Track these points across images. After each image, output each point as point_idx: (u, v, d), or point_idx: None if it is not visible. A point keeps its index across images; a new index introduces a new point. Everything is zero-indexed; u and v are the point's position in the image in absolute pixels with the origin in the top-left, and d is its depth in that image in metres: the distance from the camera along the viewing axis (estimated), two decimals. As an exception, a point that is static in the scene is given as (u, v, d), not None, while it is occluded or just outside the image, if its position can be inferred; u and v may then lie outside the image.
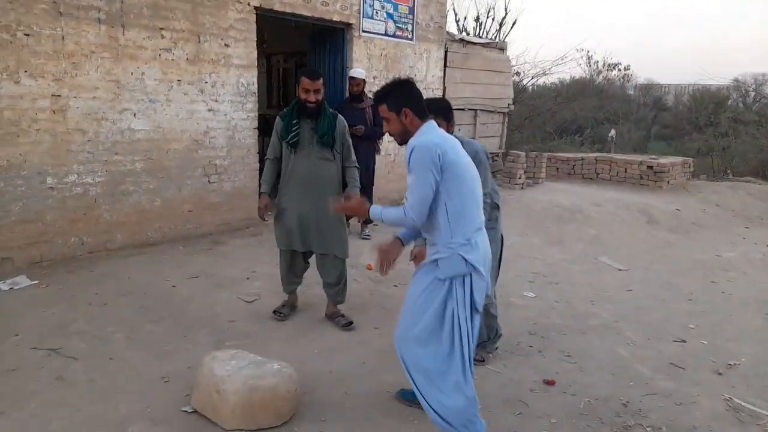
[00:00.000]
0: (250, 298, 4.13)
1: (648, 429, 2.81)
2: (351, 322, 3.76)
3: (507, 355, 3.52)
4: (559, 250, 6.09)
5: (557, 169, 10.55)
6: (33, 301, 3.83)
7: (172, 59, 5.03)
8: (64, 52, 4.37)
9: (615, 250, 6.24)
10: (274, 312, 3.84)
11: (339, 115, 3.67)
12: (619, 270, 5.59)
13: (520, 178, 8.59)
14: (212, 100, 5.40)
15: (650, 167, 9.59)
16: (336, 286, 3.78)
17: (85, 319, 3.59)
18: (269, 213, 3.65)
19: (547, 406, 2.95)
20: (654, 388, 3.22)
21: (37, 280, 4.18)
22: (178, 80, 5.10)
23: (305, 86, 3.42)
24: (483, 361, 3.38)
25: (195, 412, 2.65)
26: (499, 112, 9.56)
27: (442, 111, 2.94)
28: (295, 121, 3.49)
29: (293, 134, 3.48)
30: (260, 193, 3.70)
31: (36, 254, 4.44)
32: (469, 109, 8.82)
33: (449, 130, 2.91)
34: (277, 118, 3.58)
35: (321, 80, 3.46)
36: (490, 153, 9.64)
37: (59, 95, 4.40)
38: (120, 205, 4.88)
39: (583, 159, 10.37)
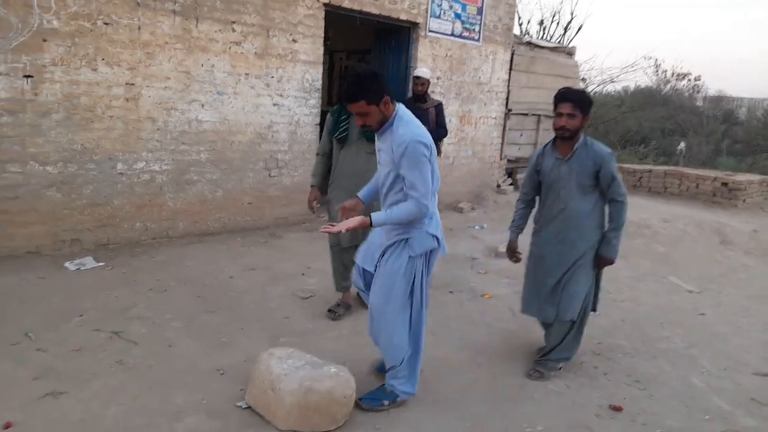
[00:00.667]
0: (305, 295, 4.10)
1: (727, 470, 2.57)
2: None
3: (569, 375, 3.33)
4: (625, 266, 5.77)
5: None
6: (98, 282, 3.93)
7: (241, 53, 5.08)
8: (140, 42, 4.47)
9: (685, 270, 5.87)
10: (329, 311, 3.80)
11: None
12: (690, 292, 5.24)
13: (583, 188, 8.26)
14: (277, 94, 5.43)
15: (725, 184, 9.02)
16: None
17: (145, 304, 3.65)
18: (318, 205, 3.73)
19: (614, 434, 2.76)
20: (734, 424, 2.96)
21: (103, 262, 4.30)
22: (246, 74, 5.15)
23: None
24: (542, 376, 3.21)
25: (249, 408, 2.61)
26: (563, 119, 9.23)
27: (585, 104, 3.05)
28: (344, 117, 3.53)
29: (341, 130, 3.55)
30: (310, 187, 3.77)
31: (103, 237, 4.57)
32: (533, 115, 8.56)
33: (583, 124, 3.07)
34: (328, 115, 3.65)
35: (360, 102, 3.29)
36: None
37: (133, 84, 4.51)
38: (183, 193, 4.97)
39: (650, 171, 9.88)
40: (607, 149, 3.12)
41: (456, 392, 3.00)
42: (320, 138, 6.06)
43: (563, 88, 3.14)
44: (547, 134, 9.05)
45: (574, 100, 3.00)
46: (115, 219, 4.61)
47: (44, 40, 4.03)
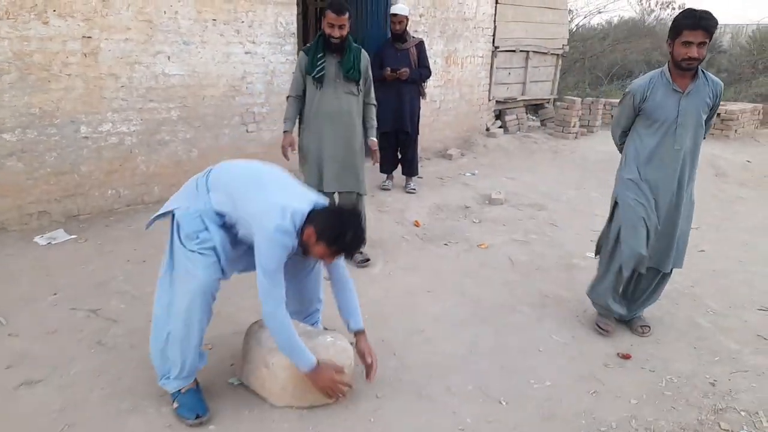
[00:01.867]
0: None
1: (742, 413, 2.49)
2: (367, 259, 3.79)
3: (574, 324, 3.21)
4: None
5: (612, 116, 9.87)
6: (71, 256, 3.69)
7: (207, -3, 4.65)
8: (93, -10, 4.05)
9: (682, 206, 5.74)
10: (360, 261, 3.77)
11: (362, 49, 3.62)
12: (688, 228, 5.12)
13: (574, 126, 8.03)
14: (249, 41, 5.04)
15: (717, 114, 8.84)
16: None
17: (124, 277, 3.43)
18: (293, 151, 3.59)
19: (625, 384, 2.66)
20: (743, 364, 2.88)
21: (75, 234, 4.04)
22: (213, 19, 4.74)
23: (330, 20, 3.34)
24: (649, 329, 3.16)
25: (241, 384, 2.45)
26: (552, 54, 8.87)
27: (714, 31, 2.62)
28: (320, 55, 3.44)
29: (319, 68, 3.43)
30: (284, 132, 3.58)
31: (73, 207, 4.29)
32: (521, 51, 8.19)
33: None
34: (300, 53, 3.54)
35: (347, 15, 3.35)
36: (542, 99, 9.06)
37: (90, 37, 4.11)
38: (156, 155, 4.66)
39: (640, 105, 9.65)
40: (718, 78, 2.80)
41: (459, 349, 2.86)
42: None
43: (689, 10, 2.59)
44: (536, 71, 8.71)
45: (706, 28, 2.54)
46: (84, 187, 4.31)
47: (-17, -8, 3.62)
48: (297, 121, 3.64)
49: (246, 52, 5.04)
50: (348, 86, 3.51)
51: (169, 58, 4.56)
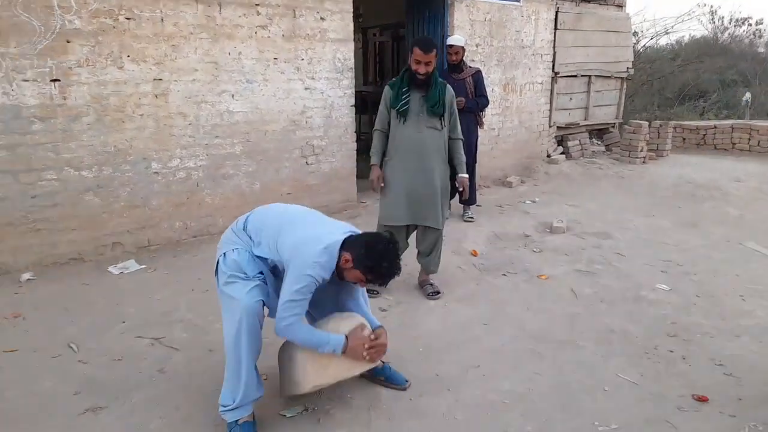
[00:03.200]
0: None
1: (841, 469, 2.22)
2: (438, 292, 3.77)
3: (643, 362, 3.01)
4: (695, 233, 5.31)
5: (683, 139, 9.42)
6: (141, 286, 3.87)
7: (268, 36, 4.87)
8: (164, 35, 4.33)
9: (764, 234, 5.33)
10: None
11: (448, 84, 3.61)
12: (772, 258, 4.74)
13: (642, 150, 7.70)
14: (308, 77, 5.20)
15: (801, 135, 8.23)
16: (429, 255, 3.76)
17: (187, 306, 3.55)
18: (382, 185, 3.60)
19: (701, 430, 2.44)
20: (841, 412, 2.58)
21: (145, 264, 4.25)
22: (275, 58, 4.94)
23: (417, 57, 3.35)
24: None
25: (295, 416, 2.45)
26: (616, 77, 8.61)
27: None
28: (405, 89, 3.47)
29: (403, 102, 3.47)
30: (371, 165, 3.63)
31: (144, 239, 4.52)
32: (582, 75, 8.00)
33: None
34: (386, 87, 3.57)
35: (434, 52, 3.35)
36: (606, 123, 8.78)
37: (160, 79, 4.39)
38: (221, 188, 4.85)
39: (715, 127, 9.14)
40: None
41: (518, 387, 2.74)
42: (357, 120, 5.88)
43: None
44: (599, 96, 8.47)
45: None
46: (154, 219, 4.54)
47: (68, 42, 3.95)
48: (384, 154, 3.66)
49: (306, 88, 5.21)
50: (431, 121, 3.50)
51: (233, 96, 4.78)
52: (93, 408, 2.49)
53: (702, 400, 2.67)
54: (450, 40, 5.34)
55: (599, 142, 9.22)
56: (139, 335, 3.17)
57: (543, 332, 3.31)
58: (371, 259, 2.16)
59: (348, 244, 2.22)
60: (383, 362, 2.73)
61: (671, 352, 3.12)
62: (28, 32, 3.79)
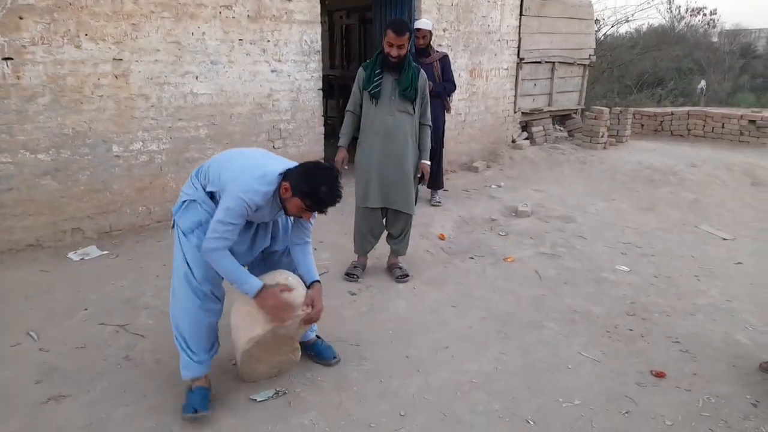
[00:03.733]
0: (319, 270, 3.89)
1: (787, 437, 2.36)
2: (407, 275, 3.80)
3: (604, 340, 3.12)
4: (653, 217, 5.50)
5: (642, 125, 9.69)
6: (103, 272, 3.77)
7: (233, 17, 4.75)
8: (123, 13, 4.17)
9: (717, 217, 5.57)
10: (347, 274, 3.79)
11: (420, 68, 3.56)
12: (724, 240, 4.96)
13: (602, 136, 7.88)
14: (275, 60, 5.11)
15: (752, 121, 8.58)
16: (398, 238, 3.79)
17: (152, 292, 3.48)
18: (346, 167, 3.54)
19: (659, 404, 2.56)
20: (786, 384, 2.74)
21: (107, 250, 4.13)
22: (240, 39, 4.83)
23: (390, 40, 3.31)
24: None
25: (269, 398, 2.45)
26: (579, 64, 8.76)
27: None
28: (378, 71, 3.44)
29: (375, 84, 3.44)
30: (338, 147, 3.60)
31: (105, 224, 4.39)
32: (546, 62, 8.12)
33: None
34: (360, 69, 3.54)
35: (407, 35, 3.33)
36: (569, 110, 8.94)
37: (120, 59, 4.24)
38: (185, 173, 4.74)
39: (672, 114, 9.43)
40: None
41: (485, 367, 2.80)
42: (324, 105, 5.82)
43: None
44: (563, 82, 8.61)
45: None
46: (116, 204, 4.41)
47: (20, 18, 3.76)
48: (353, 136, 3.66)
49: (272, 71, 5.12)
50: (403, 105, 3.48)
51: (197, 78, 4.66)
52: (56, 396, 2.43)
53: (660, 375, 2.79)
54: (417, 24, 5.31)
55: (562, 128, 9.40)
56: (103, 322, 3.10)
57: (509, 314, 3.39)
58: (309, 185, 2.15)
59: (288, 173, 2.22)
60: (317, 337, 2.83)
61: (631, 330, 3.25)
62: (-24, 7, 3.60)
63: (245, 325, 2.41)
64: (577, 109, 9.20)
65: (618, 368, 2.85)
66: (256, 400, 2.46)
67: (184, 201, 2.36)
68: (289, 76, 5.25)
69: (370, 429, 2.32)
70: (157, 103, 4.49)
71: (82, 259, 3.98)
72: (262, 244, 2.52)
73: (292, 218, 2.50)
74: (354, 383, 2.62)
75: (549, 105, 8.53)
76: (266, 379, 2.60)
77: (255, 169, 2.22)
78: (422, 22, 5.29)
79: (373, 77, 3.43)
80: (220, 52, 4.74)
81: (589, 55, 8.92)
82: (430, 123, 3.65)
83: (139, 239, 4.37)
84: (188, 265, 2.32)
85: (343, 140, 3.58)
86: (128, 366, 2.70)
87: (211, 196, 2.32)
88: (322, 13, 5.48)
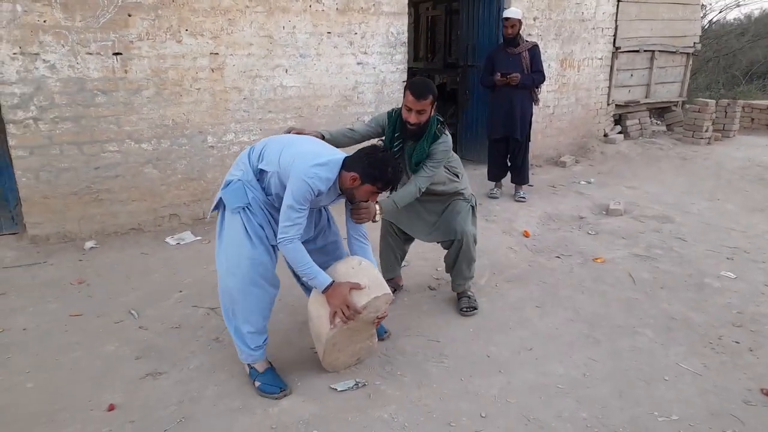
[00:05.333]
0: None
1: None
2: (475, 308, 3.24)
3: (706, 352, 2.88)
4: (763, 219, 5.00)
5: (752, 120, 8.87)
6: (196, 257, 3.98)
7: (322, 10, 4.82)
8: (221, 9, 4.36)
9: (842, 222, 4.98)
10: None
11: (444, 137, 2.88)
12: None
13: (707, 131, 7.29)
14: (361, 52, 5.15)
15: None
16: (453, 268, 3.27)
17: (240, 278, 3.62)
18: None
19: (770, 426, 2.32)
20: None
21: (200, 236, 4.36)
22: (328, 32, 4.91)
23: (408, 103, 2.74)
24: None
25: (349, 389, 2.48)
26: (681, 53, 8.15)
27: None
28: (398, 135, 2.88)
29: (395, 150, 2.90)
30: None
31: (199, 211, 4.63)
32: (645, 51, 7.61)
33: None
34: (385, 116, 2.95)
35: (430, 99, 2.72)
36: (669, 102, 8.35)
37: (217, 53, 4.43)
38: (273, 163, 4.89)
39: (789, 107, 8.56)
40: None
41: (572, 371, 2.67)
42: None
43: None
44: (663, 72, 8.05)
45: None
46: (209, 193, 4.63)
47: (129, 15, 4.02)
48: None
49: (358, 63, 5.16)
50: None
51: (286, 71, 4.78)
52: (153, 373, 2.59)
53: (771, 394, 2.53)
54: (506, 13, 5.15)
55: (660, 122, 8.80)
56: (195, 305, 3.27)
57: (598, 317, 3.21)
58: (377, 168, 2.27)
59: (349, 163, 2.31)
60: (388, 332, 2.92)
61: (737, 342, 2.97)
62: (92, 6, 3.88)
63: (324, 314, 2.43)
64: (677, 102, 8.58)
65: (722, 383, 2.61)
66: (336, 389, 2.49)
67: (230, 181, 2.42)
68: (374, 68, 5.27)
69: (450, 428, 2.28)
70: (249, 96, 4.65)
71: (178, 243, 4.22)
72: (307, 233, 2.57)
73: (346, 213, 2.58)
74: (434, 380, 2.59)
75: (646, 97, 8.00)
76: (346, 368, 2.63)
77: (316, 156, 2.28)
78: (511, 11, 5.12)
79: (393, 141, 2.90)
80: (309, 45, 4.84)
81: (694, 43, 8.27)
82: (421, 186, 2.89)
83: (229, 226, 4.57)
84: (222, 240, 2.45)
85: (326, 132, 2.84)
86: (218, 347, 2.82)
87: (260, 175, 2.40)
88: (408, 5, 5.44)
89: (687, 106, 8.21)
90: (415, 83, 2.77)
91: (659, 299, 3.45)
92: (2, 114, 3.82)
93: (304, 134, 2.62)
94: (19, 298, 3.32)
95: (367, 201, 2.45)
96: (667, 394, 2.52)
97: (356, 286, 2.38)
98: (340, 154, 2.38)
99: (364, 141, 2.91)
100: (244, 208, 2.37)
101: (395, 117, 2.90)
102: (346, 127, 3.01)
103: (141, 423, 2.27)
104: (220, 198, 2.44)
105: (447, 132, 2.91)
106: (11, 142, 3.87)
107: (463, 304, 3.24)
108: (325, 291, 2.36)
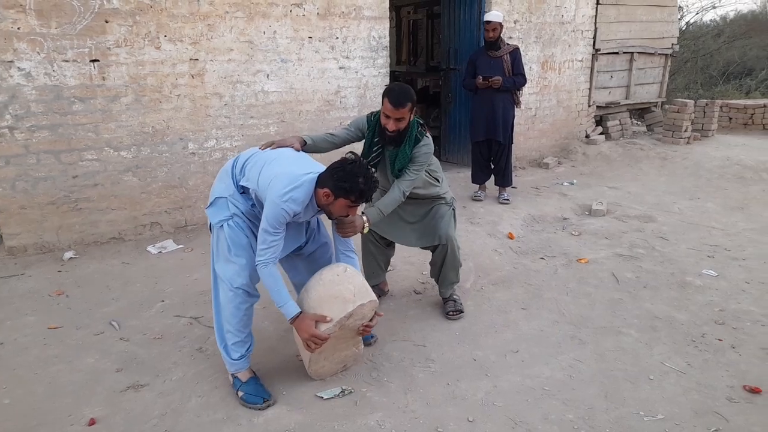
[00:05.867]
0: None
1: None
2: (461, 311, 3.23)
3: (690, 350, 2.90)
4: (743, 217, 5.08)
5: (730, 119, 9.00)
6: (178, 265, 3.92)
7: (303, 15, 4.80)
8: (200, 14, 4.31)
9: (819, 218, 5.07)
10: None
11: (425, 140, 2.85)
12: (828, 244, 4.50)
13: (686, 130, 7.39)
14: (343, 56, 5.13)
15: None
16: (439, 272, 3.28)
17: (224, 286, 3.57)
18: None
19: (754, 422, 2.34)
20: None
21: (183, 244, 4.30)
22: (309, 37, 4.88)
23: (386, 111, 2.69)
24: None
25: (335, 397, 2.45)
26: (660, 54, 8.26)
27: None
28: (377, 140, 2.84)
29: (374, 155, 2.88)
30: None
31: (181, 219, 4.57)
32: (624, 53, 7.70)
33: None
34: (364, 119, 2.91)
35: (408, 107, 2.67)
36: (649, 102, 8.45)
37: (197, 59, 4.38)
38: (255, 169, 4.85)
39: (765, 106, 8.71)
40: None
41: (558, 373, 2.67)
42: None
43: None
44: (642, 74, 8.15)
45: None
46: (191, 200, 4.58)
47: (106, 22, 3.96)
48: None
49: (340, 67, 5.14)
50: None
51: (267, 76, 4.75)
52: (134, 385, 2.54)
53: (755, 391, 2.55)
54: (487, 16, 5.17)
55: (640, 122, 8.91)
56: (178, 314, 3.22)
57: (583, 318, 3.23)
58: (347, 182, 2.24)
59: (321, 180, 2.30)
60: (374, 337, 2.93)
61: (720, 340, 3.00)
62: (68, 12, 3.82)
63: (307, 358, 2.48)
64: (657, 102, 8.69)
65: (706, 381, 2.63)
66: (322, 397, 2.46)
67: (216, 198, 2.46)
68: (356, 72, 5.26)
69: (436, 431, 2.27)
70: (230, 102, 4.61)
71: (160, 252, 4.16)
72: (298, 240, 2.62)
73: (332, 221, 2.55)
74: (421, 385, 2.57)
75: (626, 98, 8.09)
76: (332, 376, 2.60)
77: (291, 179, 2.25)
78: (492, 15, 5.15)
79: (372, 146, 2.86)
80: (290, 50, 4.81)
81: (672, 44, 8.39)
82: (405, 190, 2.85)
83: (212, 234, 4.52)
84: (213, 256, 2.47)
85: (308, 138, 2.75)
86: (201, 357, 2.78)
87: (243, 189, 2.43)
88: (389, 9, 5.44)
89: (666, 106, 8.31)
90: (393, 91, 2.68)
91: (642, 299, 3.47)
92: (-24, 123, 3.74)
93: (286, 145, 2.57)
94: (-5, 311, 3.24)
95: (346, 215, 2.39)
96: (652, 394, 2.53)
97: (321, 318, 2.36)
98: (317, 169, 2.36)
99: (345, 145, 2.89)
100: (227, 222, 2.39)
101: (374, 121, 2.85)
102: (328, 132, 2.95)
103: (122, 437, 2.22)
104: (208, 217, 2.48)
105: (428, 134, 2.89)
106: (-14, 152, 3.79)
107: (449, 308, 3.23)
108: (291, 321, 2.35)
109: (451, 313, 3.21)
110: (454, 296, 3.30)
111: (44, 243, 4.06)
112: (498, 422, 2.33)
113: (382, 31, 5.33)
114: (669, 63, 8.54)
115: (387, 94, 2.68)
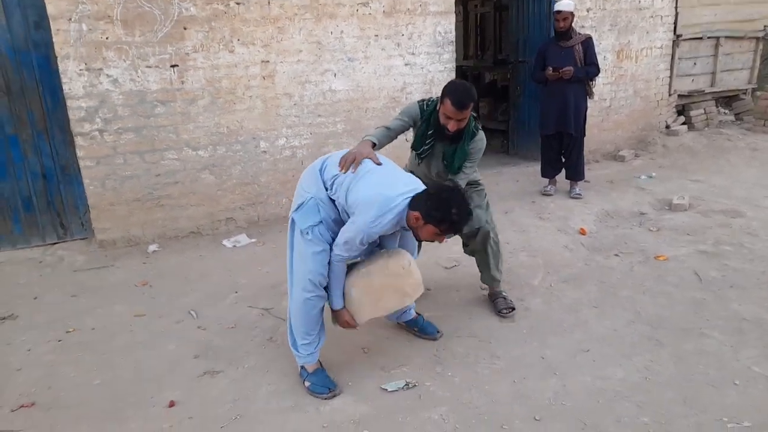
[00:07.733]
0: (449, 264, 3.86)
1: None
2: (513, 308, 3.15)
3: (782, 355, 2.68)
4: None
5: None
6: (251, 258, 4.09)
7: (369, 13, 4.85)
8: (270, 17, 4.46)
9: None
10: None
11: (479, 134, 2.85)
12: None
13: (780, 119, 6.83)
14: (409, 53, 5.14)
15: None
16: (482, 264, 3.24)
17: (293, 279, 3.69)
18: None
19: None
20: None
21: (255, 238, 4.47)
22: (375, 35, 4.93)
23: (448, 112, 2.65)
24: None
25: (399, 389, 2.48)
26: (750, 38, 7.66)
27: None
28: (430, 132, 2.82)
29: (426, 148, 2.89)
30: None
31: (254, 214, 4.76)
32: (709, 37, 7.21)
33: None
34: (416, 106, 2.87)
35: (470, 107, 2.66)
36: (737, 90, 7.88)
37: (267, 61, 4.54)
38: (324, 166, 4.97)
39: None
40: None
41: (632, 375, 2.56)
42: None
43: None
44: (729, 59, 7.60)
45: None
46: (263, 196, 4.76)
47: (185, 28, 4.19)
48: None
49: (406, 64, 5.16)
50: (446, 174, 2.93)
51: (335, 75, 4.84)
52: (210, 371, 2.68)
53: None
54: (558, 6, 5.00)
55: (727, 111, 8.31)
56: (251, 305, 3.35)
57: (661, 318, 3.06)
58: (440, 211, 2.19)
59: (414, 202, 2.26)
60: (417, 314, 2.93)
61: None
62: (150, 21, 4.07)
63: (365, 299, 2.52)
64: (747, 89, 8.07)
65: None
66: (386, 390, 2.49)
67: (302, 203, 2.40)
68: (422, 68, 5.25)
69: (502, 430, 2.23)
70: (299, 101, 4.74)
71: (234, 246, 4.35)
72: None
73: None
74: (486, 382, 2.54)
75: (712, 85, 7.58)
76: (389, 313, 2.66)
77: (381, 202, 2.23)
78: (563, 4, 4.97)
79: (425, 138, 2.85)
80: (357, 48, 4.88)
81: (765, 26, 7.76)
82: (461, 186, 2.76)
83: (282, 229, 4.64)
84: (291, 261, 2.49)
85: (374, 138, 2.68)
86: (272, 347, 2.88)
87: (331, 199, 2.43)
88: (456, 3, 5.39)
89: (757, 93, 7.71)
90: (456, 92, 2.62)
91: (729, 299, 3.25)
92: (70, 127, 4.07)
93: (363, 157, 2.41)
94: (88, 299, 3.51)
95: (432, 241, 2.35)
96: (737, 400, 2.37)
97: (351, 321, 2.51)
98: (410, 187, 2.30)
99: (399, 135, 2.87)
100: (312, 228, 2.36)
101: (428, 112, 2.80)
102: (383, 126, 2.86)
103: (199, 419, 2.34)
104: (293, 218, 2.44)
105: (480, 126, 2.89)
106: (79, 154, 4.11)
107: (500, 306, 3.15)
108: (333, 310, 2.50)
109: (503, 311, 3.13)
110: (503, 293, 3.22)
111: (131, 237, 4.35)
112: (566, 422, 2.26)
113: (448, 26, 5.29)
114: (761, 47, 7.91)
115: (449, 94, 2.63)
